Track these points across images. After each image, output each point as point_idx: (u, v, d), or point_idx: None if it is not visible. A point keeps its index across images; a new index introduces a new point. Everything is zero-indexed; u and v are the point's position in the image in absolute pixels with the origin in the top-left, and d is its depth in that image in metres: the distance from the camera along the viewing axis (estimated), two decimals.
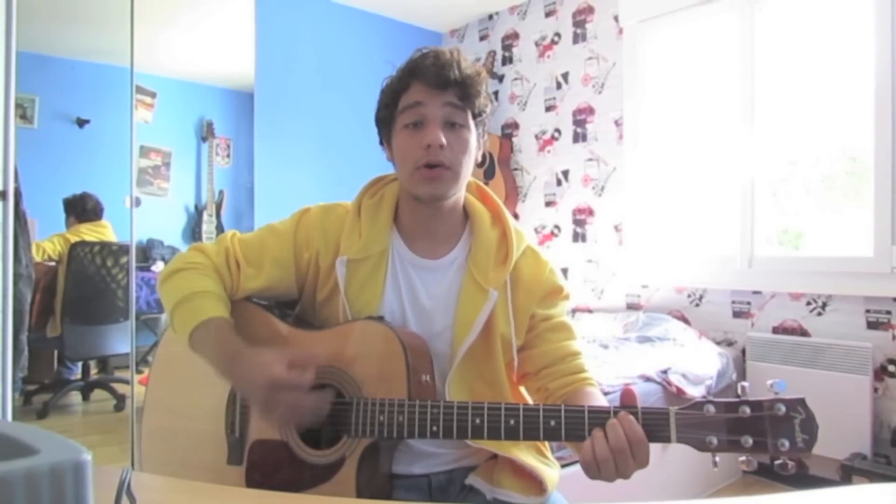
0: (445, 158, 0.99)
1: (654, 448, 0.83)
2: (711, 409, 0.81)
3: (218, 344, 0.96)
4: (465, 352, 1.00)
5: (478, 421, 0.88)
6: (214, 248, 1.07)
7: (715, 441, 0.80)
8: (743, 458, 0.80)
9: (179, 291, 1.00)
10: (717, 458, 0.82)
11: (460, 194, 1.08)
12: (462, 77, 0.99)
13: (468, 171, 1.04)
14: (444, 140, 0.98)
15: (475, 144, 1.04)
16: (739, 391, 0.82)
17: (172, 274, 1.03)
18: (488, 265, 1.04)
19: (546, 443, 1.09)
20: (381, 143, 1.10)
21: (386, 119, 1.05)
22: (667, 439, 0.82)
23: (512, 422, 0.87)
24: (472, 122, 1.03)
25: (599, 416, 0.85)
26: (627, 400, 0.86)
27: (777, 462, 0.79)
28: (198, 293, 0.99)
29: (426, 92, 0.99)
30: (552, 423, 0.86)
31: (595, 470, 0.83)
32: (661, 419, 0.82)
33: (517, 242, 1.07)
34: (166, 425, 1.08)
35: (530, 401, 1.11)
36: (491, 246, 1.06)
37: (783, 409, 0.79)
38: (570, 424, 0.85)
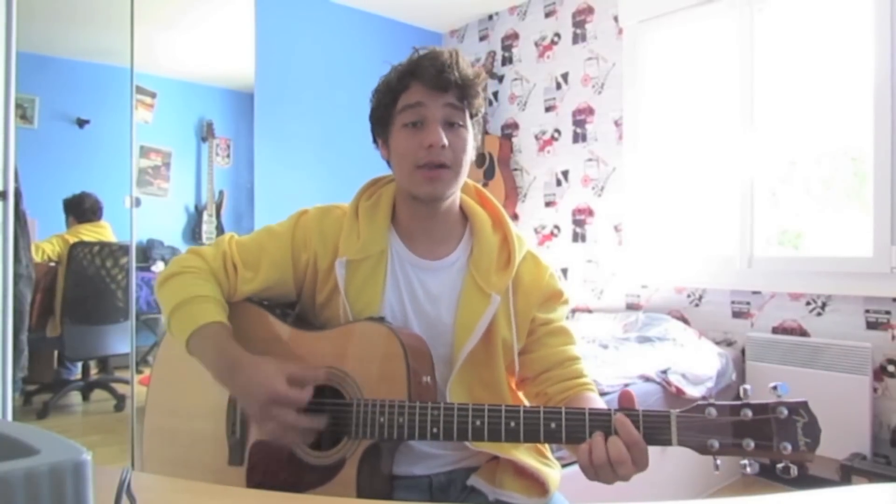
0: (446, 158, 1.00)
1: (654, 448, 0.82)
2: (713, 411, 0.80)
3: (217, 351, 0.95)
4: (466, 356, 1.00)
5: (478, 423, 0.88)
6: (212, 252, 1.07)
7: (717, 444, 0.80)
8: (745, 461, 0.80)
9: (177, 295, 1.00)
10: (719, 461, 0.81)
11: (457, 195, 1.09)
12: (462, 79, 1.00)
13: (466, 169, 1.05)
14: (446, 140, 0.99)
15: (472, 143, 1.05)
16: (741, 394, 0.82)
17: (169, 278, 1.03)
18: (490, 269, 1.04)
19: (546, 444, 1.09)
20: (375, 141, 1.11)
21: (384, 118, 1.06)
22: (668, 442, 0.81)
23: (512, 424, 0.87)
24: (469, 122, 1.04)
25: (600, 419, 0.85)
26: (625, 403, 0.85)
27: (779, 465, 0.79)
28: (195, 297, 0.99)
29: (426, 92, 1.00)
30: (553, 425, 0.86)
31: (592, 474, 0.83)
32: (661, 422, 0.82)
33: (518, 248, 1.07)
34: (167, 425, 1.07)
35: (527, 404, 1.10)
36: (493, 250, 1.06)
37: (786, 412, 0.78)
38: (570, 427, 0.85)
